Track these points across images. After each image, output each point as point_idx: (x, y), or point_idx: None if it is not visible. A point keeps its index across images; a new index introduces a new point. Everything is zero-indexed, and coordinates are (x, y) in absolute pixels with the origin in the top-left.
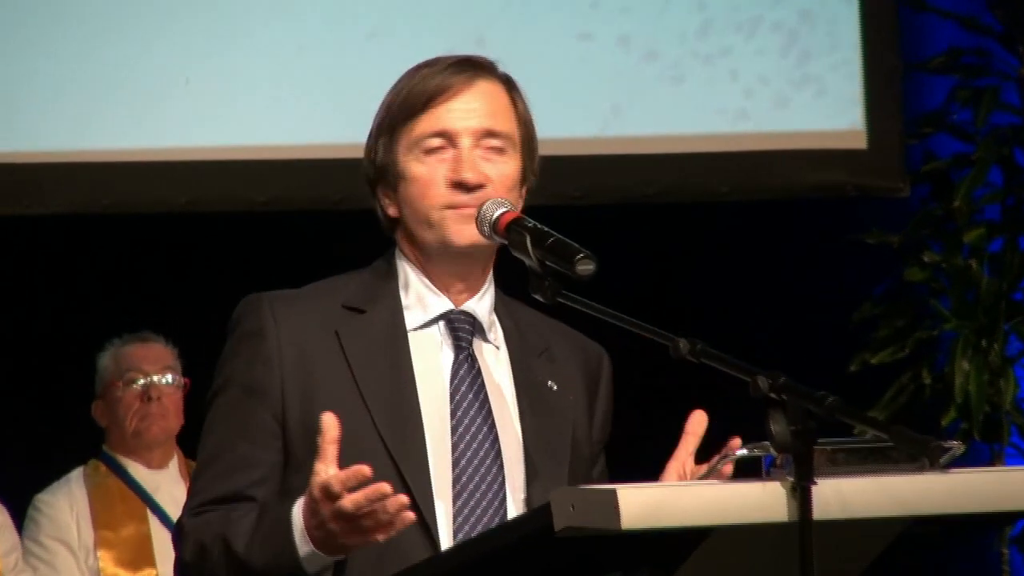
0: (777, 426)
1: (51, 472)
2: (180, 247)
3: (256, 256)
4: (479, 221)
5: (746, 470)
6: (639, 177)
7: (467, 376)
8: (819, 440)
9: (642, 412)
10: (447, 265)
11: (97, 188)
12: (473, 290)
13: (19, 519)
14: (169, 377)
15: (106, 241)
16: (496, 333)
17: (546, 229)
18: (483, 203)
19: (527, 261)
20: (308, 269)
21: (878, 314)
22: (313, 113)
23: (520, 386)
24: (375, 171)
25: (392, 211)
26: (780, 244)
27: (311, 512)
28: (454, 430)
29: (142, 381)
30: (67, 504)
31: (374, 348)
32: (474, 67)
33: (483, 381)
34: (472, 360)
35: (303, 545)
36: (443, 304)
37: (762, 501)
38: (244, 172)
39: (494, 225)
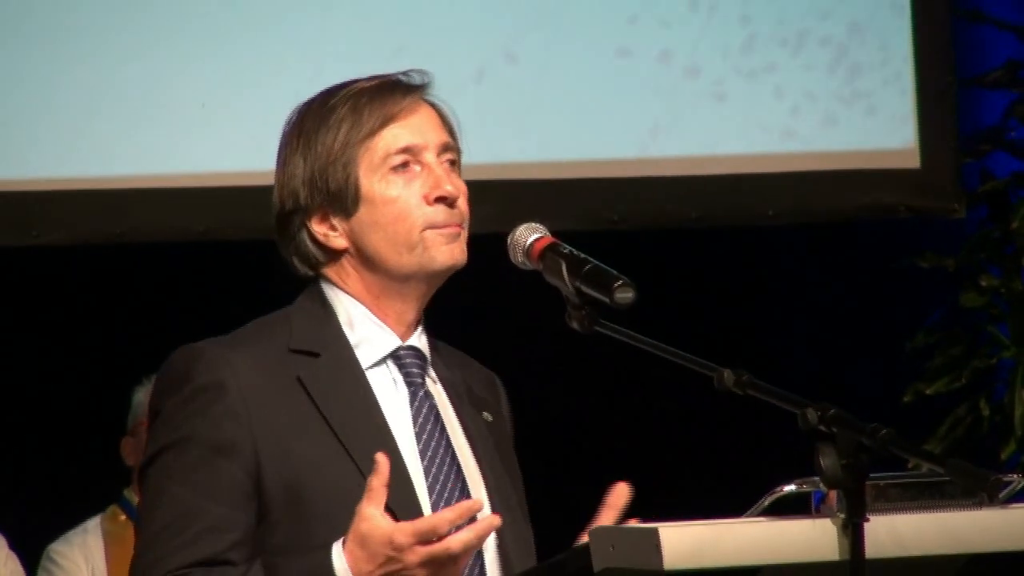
0: (827, 460)
1: (66, 516)
2: (200, 277)
3: (285, 285)
4: (511, 247)
5: (795, 507)
6: (680, 200)
7: (429, 416)
8: (871, 475)
9: (683, 446)
10: (412, 293)
11: (109, 216)
12: (418, 324)
13: (28, 562)
14: None
15: (124, 271)
16: (432, 368)
17: (583, 255)
18: (516, 228)
19: (563, 289)
20: None
21: (933, 342)
22: None
23: (464, 422)
24: (320, 199)
25: (338, 242)
26: (829, 269)
27: (375, 560)
28: (426, 473)
29: None
30: (82, 557)
31: (341, 393)
32: (413, 83)
33: (442, 421)
34: (429, 399)
35: None
36: (392, 340)
37: (812, 539)
38: (263, 198)
39: (528, 251)
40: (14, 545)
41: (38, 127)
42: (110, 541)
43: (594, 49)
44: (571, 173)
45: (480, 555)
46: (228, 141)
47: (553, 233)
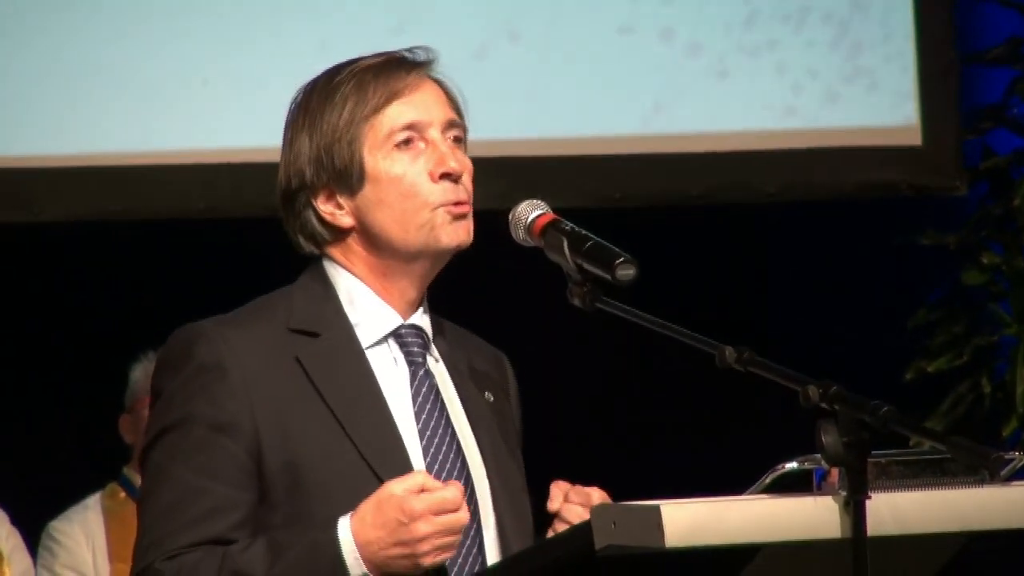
0: (829, 438)
1: (66, 494)
2: (200, 254)
3: (284, 262)
4: (513, 224)
5: (797, 484)
6: (681, 177)
7: (429, 395)
8: (873, 452)
9: (684, 423)
10: (416, 271)
11: (109, 193)
12: (420, 302)
13: (29, 539)
14: None
15: (124, 248)
16: (434, 346)
17: (584, 232)
18: (517, 205)
19: (564, 266)
20: None
21: (934, 320)
22: None
23: (465, 401)
24: (326, 178)
25: (344, 221)
26: (830, 247)
27: (386, 527)
28: (425, 452)
29: None
30: (83, 534)
31: (339, 373)
32: (418, 59)
33: (442, 400)
34: (429, 377)
35: (355, 567)
36: (394, 319)
37: (813, 517)
38: (264, 175)
39: (529, 228)
40: (16, 521)
41: (37, 103)
42: (110, 518)
43: (596, 26)
44: (573, 150)
45: (479, 534)
46: (230, 118)
47: (555, 210)
